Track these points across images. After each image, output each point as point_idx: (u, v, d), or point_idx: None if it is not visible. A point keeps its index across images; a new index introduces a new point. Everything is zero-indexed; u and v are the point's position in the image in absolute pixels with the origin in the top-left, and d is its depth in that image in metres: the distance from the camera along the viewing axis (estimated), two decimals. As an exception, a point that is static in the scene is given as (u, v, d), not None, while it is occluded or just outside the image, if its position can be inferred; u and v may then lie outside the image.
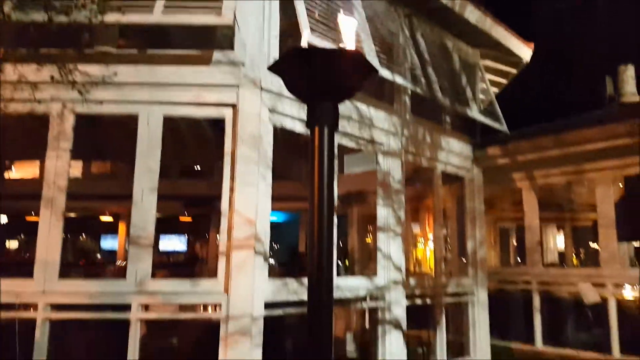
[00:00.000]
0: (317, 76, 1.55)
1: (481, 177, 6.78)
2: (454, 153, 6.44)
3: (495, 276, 7.53)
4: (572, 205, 9.94)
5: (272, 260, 8.51)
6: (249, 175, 3.96)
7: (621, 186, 8.43)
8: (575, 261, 12.35)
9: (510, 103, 8.17)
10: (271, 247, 9.28)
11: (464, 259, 6.60)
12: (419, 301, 5.65)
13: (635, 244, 11.64)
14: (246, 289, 3.83)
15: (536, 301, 6.82)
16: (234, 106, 4.05)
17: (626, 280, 6.33)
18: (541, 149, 6.44)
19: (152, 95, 4.09)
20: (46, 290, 3.84)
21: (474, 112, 6.37)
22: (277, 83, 4.01)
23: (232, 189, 3.96)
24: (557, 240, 12.36)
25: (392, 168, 5.38)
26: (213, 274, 3.96)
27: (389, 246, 5.20)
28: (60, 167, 4.05)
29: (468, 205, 6.62)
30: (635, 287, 6.53)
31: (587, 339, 7.02)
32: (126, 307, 3.87)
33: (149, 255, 3.95)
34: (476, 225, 6.60)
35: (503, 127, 6.65)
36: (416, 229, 10.66)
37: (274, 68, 1.66)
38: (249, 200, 3.94)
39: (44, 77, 3.69)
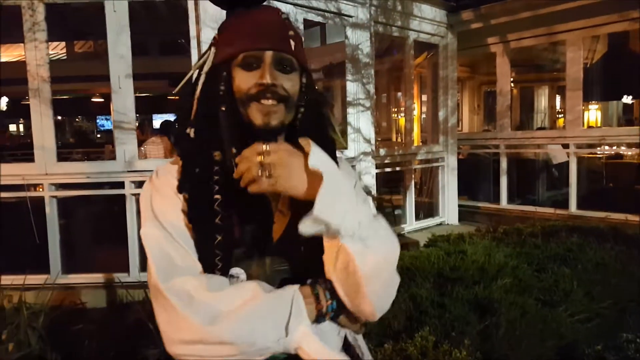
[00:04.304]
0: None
1: (455, 43, 6.82)
2: (427, 20, 6.41)
3: (466, 142, 7.89)
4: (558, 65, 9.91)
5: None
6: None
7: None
8: (561, 122, 12.38)
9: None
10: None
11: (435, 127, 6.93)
12: (388, 169, 6.17)
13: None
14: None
15: (503, 164, 7.15)
16: (194, -13, 4.09)
17: (587, 141, 6.66)
18: (513, 11, 6.38)
19: (114, -19, 4.14)
20: (48, 172, 4.31)
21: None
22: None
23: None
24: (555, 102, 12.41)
25: (361, 41, 5.48)
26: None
27: (359, 120, 5.50)
28: (40, 58, 4.26)
29: (441, 72, 6.77)
30: (604, 147, 6.84)
31: (551, 197, 7.54)
32: (120, 184, 4.37)
33: (134, 138, 4.35)
34: (449, 93, 6.83)
35: (478, -11, 6.50)
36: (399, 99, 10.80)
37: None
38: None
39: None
